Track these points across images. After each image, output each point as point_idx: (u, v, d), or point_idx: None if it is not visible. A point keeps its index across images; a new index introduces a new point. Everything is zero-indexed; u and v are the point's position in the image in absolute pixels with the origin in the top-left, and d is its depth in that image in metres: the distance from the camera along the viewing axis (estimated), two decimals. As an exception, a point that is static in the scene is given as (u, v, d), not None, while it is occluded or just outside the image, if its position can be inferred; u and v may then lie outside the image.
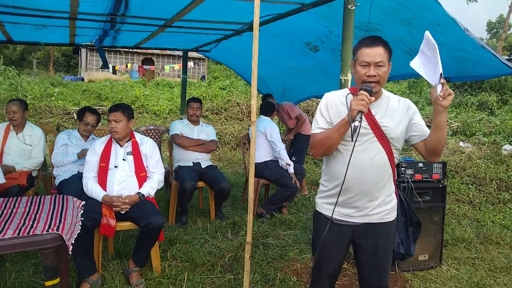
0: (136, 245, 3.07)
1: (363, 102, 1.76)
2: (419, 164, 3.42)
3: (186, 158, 4.58)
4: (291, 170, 4.69)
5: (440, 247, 3.55)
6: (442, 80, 1.71)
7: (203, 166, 4.58)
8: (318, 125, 2.00)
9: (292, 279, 3.15)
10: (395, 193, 2.09)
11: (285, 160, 4.68)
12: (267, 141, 4.78)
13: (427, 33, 1.76)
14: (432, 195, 3.45)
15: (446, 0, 3.19)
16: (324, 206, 2.09)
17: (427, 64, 1.79)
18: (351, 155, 1.82)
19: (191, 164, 4.53)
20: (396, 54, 3.73)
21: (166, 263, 3.31)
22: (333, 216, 1.96)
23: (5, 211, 2.30)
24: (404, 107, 2.00)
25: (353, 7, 2.70)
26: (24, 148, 3.98)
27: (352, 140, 1.75)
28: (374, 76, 1.86)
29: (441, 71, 1.70)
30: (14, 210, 2.32)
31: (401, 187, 3.28)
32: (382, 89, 1.98)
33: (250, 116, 12.38)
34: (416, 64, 1.81)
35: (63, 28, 4.30)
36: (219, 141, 8.91)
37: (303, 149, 6.06)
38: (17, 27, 4.23)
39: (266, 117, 4.94)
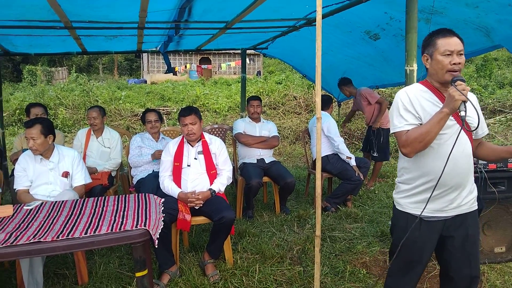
0: (210, 239, 3.26)
1: (464, 92, 1.76)
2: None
3: (250, 155, 4.72)
4: (352, 163, 4.67)
5: (518, 239, 3.38)
6: None
7: (267, 162, 4.69)
8: (408, 122, 1.92)
9: (362, 272, 3.16)
10: None
11: (345, 154, 4.66)
12: (326, 136, 4.79)
13: None
14: (508, 185, 3.29)
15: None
16: (411, 205, 2.04)
17: None
18: (452, 147, 1.80)
19: (255, 161, 4.66)
20: (465, 31, 3.59)
21: (238, 255, 3.46)
22: (422, 213, 1.93)
23: (96, 209, 2.56)
24: (476, 100, 2.01)
25: (417, -4, 2.63)
26: (104, 151, 4.35)
27: (469, 131, 1.76)
28: (459, 63, 1.88)
29: None
30: (104, 208, 2.57)
31: (473, 177, 3.17)
32: None
33: (307, 109, 12.34)
34: None
35: (131, 37, 4.60)
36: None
37: (386, 143, 5.69)
38: (91, 39, 4.58)
39: (323, 112, 4.91)
